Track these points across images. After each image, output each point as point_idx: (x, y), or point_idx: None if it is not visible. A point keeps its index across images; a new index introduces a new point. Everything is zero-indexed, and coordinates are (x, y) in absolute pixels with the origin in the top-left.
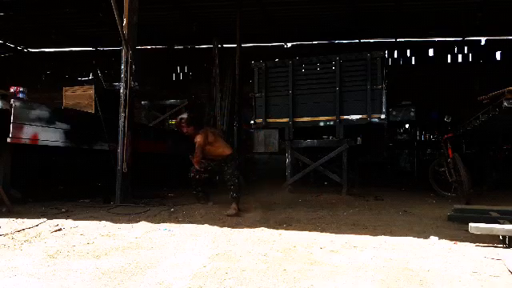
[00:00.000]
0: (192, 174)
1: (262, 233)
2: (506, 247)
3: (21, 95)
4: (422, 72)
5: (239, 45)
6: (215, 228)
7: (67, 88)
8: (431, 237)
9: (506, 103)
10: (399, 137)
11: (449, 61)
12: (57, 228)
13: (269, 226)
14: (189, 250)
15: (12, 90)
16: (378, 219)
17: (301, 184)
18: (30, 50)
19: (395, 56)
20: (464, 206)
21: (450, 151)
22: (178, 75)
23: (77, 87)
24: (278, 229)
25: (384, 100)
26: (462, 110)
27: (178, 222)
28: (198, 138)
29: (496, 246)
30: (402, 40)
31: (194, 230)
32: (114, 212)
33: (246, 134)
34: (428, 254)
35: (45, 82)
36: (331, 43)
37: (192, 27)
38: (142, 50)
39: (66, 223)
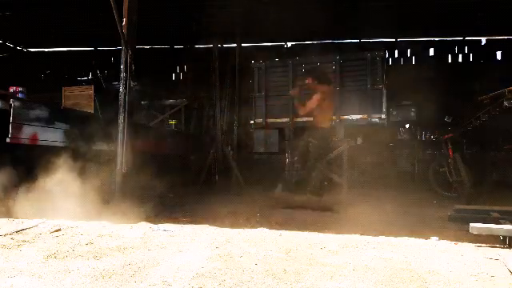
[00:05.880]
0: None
1: (262, 233)
2: (507, 247)
3: (20, 95)
4: (422, 72)
5: (239, 45)
6: (215, 228)
7: (67, 88)
8: (432, 237)
9: (506, 103)
10: (399, 137)
11: (449, 61)
12: (56, 228)
13: (269, 226)
14: (188, 251)
15: (11, 90)
16: (378, 219)
17: (301, 184)
18: (30, 49)
19: (395, 56)
20: (464, 206)
21: (450, 151)
22: (177, 75)
23: (76, 87)
24: (278, 229)
25: (384, 100)
26: (463, 110)
27: (178, 222)
28: None
29: (496, 247)
30: (402, 40)
31: (193, 231)
32: (114, 212)
33: (245, 134)
34: (428, 255)
35: (44, 81)
36: (331, 43)
37: (192, 27)
38: (142, 50)
39: (66, 223)
